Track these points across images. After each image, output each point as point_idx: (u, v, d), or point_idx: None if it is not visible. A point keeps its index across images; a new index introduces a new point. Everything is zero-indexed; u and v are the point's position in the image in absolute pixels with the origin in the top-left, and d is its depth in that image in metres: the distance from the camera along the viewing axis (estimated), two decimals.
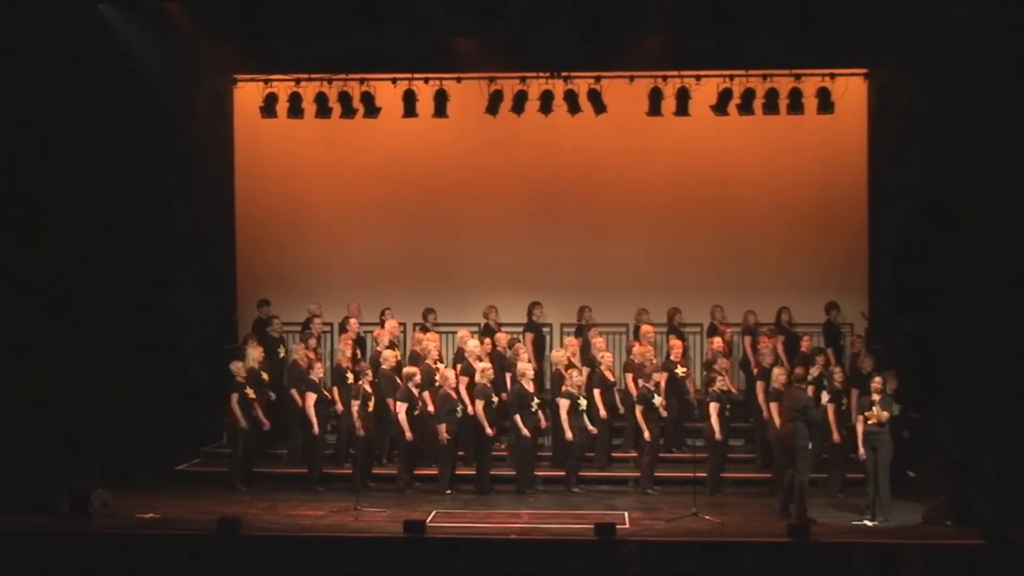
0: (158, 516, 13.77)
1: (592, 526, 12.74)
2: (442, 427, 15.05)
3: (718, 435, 14.98)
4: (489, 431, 15.17)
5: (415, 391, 15.26)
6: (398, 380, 15.48)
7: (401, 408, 15.17)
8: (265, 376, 15.74)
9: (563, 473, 15.50)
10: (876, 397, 13.85)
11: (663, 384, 15.83)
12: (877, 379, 14.07)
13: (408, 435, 15.15)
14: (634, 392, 15.60)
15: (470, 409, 15.19)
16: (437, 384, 15.32)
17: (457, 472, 15.47)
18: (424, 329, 16.84)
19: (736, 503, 14.63)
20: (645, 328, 16.67)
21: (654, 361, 15.89)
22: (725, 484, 15.24)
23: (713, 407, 15.03)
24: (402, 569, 12.45)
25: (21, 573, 12.54)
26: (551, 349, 16.99)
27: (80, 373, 14.60)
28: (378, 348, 16.40)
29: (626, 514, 13.96)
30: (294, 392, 15.69)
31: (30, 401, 14.15)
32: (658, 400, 15.24)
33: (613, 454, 16.19)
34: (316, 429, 15.36)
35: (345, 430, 15.58)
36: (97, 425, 14.61)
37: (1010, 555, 12.20)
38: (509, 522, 13.67)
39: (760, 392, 15.65)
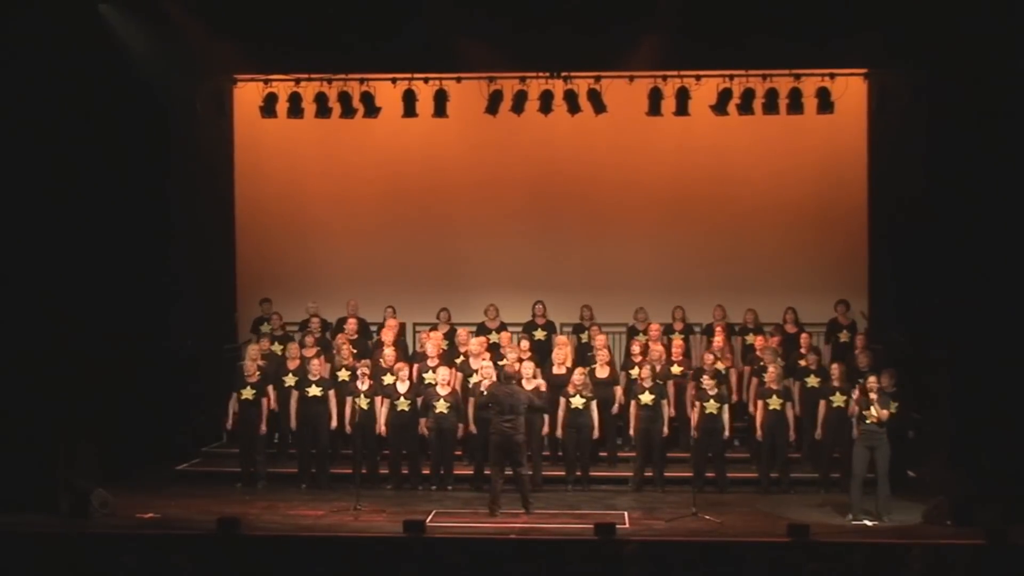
0: (158, 516, 13.77)
1: (592, 526, 12.76)
2: (422, 422, 15.21)
3: (727, 432, 15.15)
4: (472, 429, 15.27)
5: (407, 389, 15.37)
6: (391, 377, 15.51)
7: (385, 404, 15.28)
8: (259, 374, 15.70)
9: (563, 473, 15.56)
10: (874, 396, 13.84)
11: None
12: (872, 378, 14.06)
13: (381, 429, 15.26)
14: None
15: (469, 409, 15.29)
16: (427, 383, 15.41)
17: (457, 472, 15.54)
18: (433, 328, 16.87)
19: (736, 503, 14.63)
20: (653, 327, 16.72)
21: (662, 360, 15.93)
22: (725, 484, 15.26)
23: (716, 406, 15.10)
24: (402, 569, 12.46)
25: (21, 573, 12.55)
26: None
27: (80, 373, 14.59)
28: (380, 348, 16.40)
29: (626, 514, 13.97)
30: (274, 392, 15.73)
31: (30, 400, 14.15)
32: (647, 397, 15.26)
33: (619, 454, 16.19)
34: (293, 425, 15.58)
35: (326, 430, 15.55)
36: (97, 425, 14.61)
37: (1010, 555, 12.21)
38: (509, 522, 13.68)
39: (752, 390, 15.84)
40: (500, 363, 15.30)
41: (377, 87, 17.06)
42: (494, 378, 14.98)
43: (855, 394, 14.38)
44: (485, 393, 14.70)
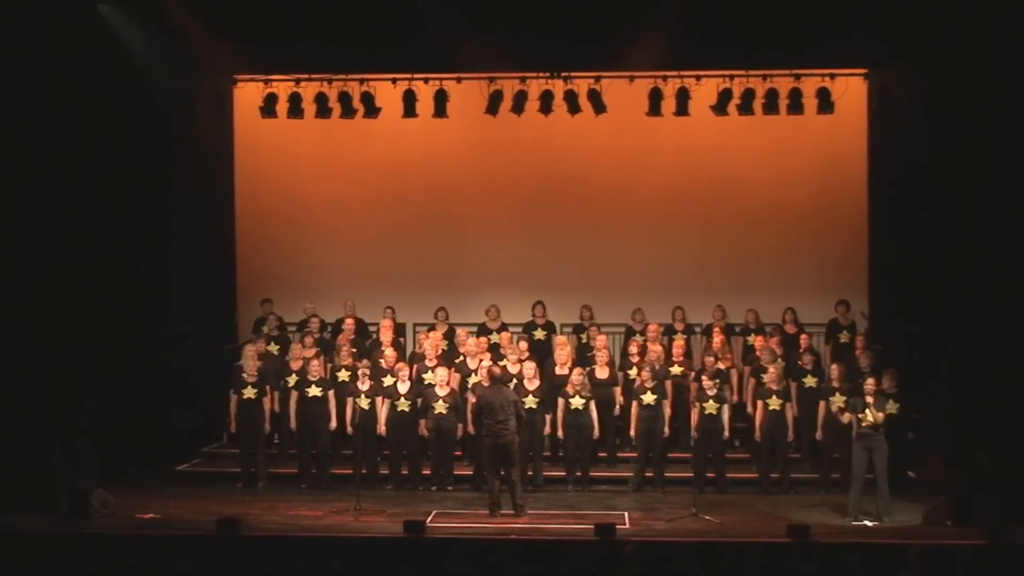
0: (158, 516, 13.77)
1: (592, 526, 12.76)
2: (422, 422, 15.20)
3: (727, 433, 15.21)
4: (471, 429, 15.27)
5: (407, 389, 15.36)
6: (391, 378, 15.49)
7: (384, 404, 15.29)
8: (256, 374, 15.68)
9: (563, 473, 15.57)
10: (870, 399, 13.82)
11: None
12: (870, 380, 14.05)
13: (381, 429, 15.26)
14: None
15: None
16: (427, 383, 15.41)
17: (457, 472, 15.55)
18: (432, 328, 16.87)
19: (736, 503, 14.63)
20: (651, 327, 16.72)
21: (661, 360, 15.94)
22: (725, 484, 15.26)
23: (715, 406, 15.12)
24: (402, 569, 12.46)
25: (21, 573, 12.55)
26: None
27: (80, 373, 14.60)
28: (378, 348, 16.41)
29: (626, 514, 13.97)
30: (272, 392, 15.75)
31: (30, 400, 14.15)
32: (649, 398, 15.27)
33: (619, 454, 16.19)
34: (293, 425, 15.59)
35: (326, 430, 15.54)
36: (97, 425, 14.60)
37: (1010, 555, 12.21)
38: (509, 522, 13.68)
39: (750, 390, 15.86)
40: (488, 365, 15.24)
41: (377, 87, 17.07)
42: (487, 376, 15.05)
43: (835, 396, 14.46)
44: (475, 399, 14.73)
